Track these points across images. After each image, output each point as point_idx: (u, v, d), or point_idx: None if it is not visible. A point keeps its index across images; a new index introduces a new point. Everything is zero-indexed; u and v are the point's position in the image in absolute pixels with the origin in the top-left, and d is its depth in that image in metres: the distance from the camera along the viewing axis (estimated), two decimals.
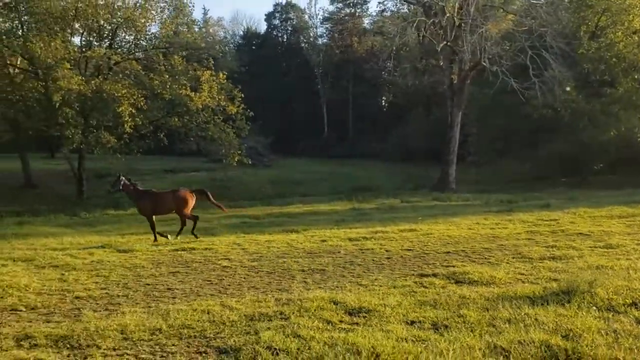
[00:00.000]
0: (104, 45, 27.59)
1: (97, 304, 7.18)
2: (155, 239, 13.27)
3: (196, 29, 32.64)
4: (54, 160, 44.91)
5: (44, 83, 24.15)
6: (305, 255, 10.40)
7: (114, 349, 5.17)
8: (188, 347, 5.20)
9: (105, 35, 27.61)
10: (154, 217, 13.65)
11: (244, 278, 8.57)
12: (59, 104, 22.22)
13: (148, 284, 8.32)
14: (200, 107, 25.14)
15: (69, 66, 23.35)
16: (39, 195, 32.31)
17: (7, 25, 26.16)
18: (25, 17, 26.26)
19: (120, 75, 25.97)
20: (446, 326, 5.48)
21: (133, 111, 23.17)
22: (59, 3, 25.08)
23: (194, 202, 13.87)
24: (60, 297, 7.53)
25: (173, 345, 5.25)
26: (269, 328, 5.44)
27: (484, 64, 30.26)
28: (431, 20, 29.82)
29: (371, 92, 60.15)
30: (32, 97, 24.81)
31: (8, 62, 27.80)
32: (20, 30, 26.99)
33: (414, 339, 5.03)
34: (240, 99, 25.95)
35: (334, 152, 55.13)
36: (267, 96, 55.83)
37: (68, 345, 5.30)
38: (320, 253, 10.62)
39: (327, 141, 59.30)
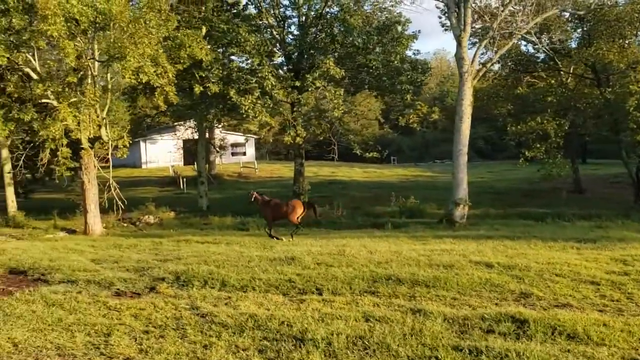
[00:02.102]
0: None
1: None
2: (271, 237, 15.95)
3: None
4: (585, 166, 45.14)
5: (609, 89, 24.38)
6: None
7: None
8: None
9: None
10: (274, 221, 16.61)
11: None
12: (632, 108, 21.95)
13: None
14: None
15: None
16: (588, 200, 32.92)
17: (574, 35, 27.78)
18: (590, 26, 27.18)
19: None
20: None
21: None
22: (629, 7, 24.86)
23: (302, 210, 16.00)
24: None
25: None
26: None
27: None
28: None
29: None
30: (595, 104, 25.45)
31: (563, 71, 29.42)
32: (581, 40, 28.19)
33: None
34: None
35: None
36: None
37: None
38: None
39: None
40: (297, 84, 26.27)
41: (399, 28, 26.84)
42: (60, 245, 16.39)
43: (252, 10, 28.64)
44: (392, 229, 21.95)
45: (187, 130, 44.21)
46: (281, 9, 27.90)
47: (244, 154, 60.98)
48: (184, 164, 56.24)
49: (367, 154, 27.61)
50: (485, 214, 25.44)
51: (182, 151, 57.59)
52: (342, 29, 26.01)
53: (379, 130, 77.02)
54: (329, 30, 27.33)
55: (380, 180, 41.65)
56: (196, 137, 43.29)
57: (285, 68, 28.11)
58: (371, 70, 27.65)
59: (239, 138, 60.64)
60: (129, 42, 17.62)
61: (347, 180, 41.77)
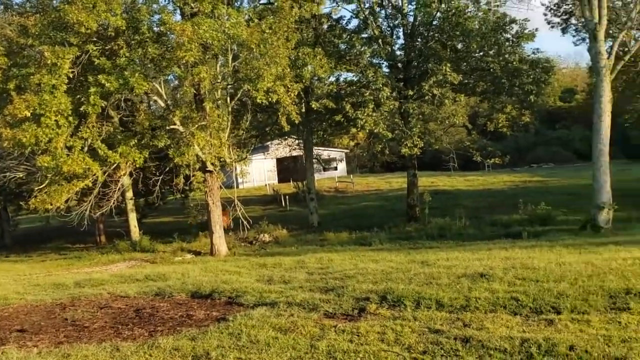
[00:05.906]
0: None
1: None
2: None
3: None
4: None
5: None
6: None
7: None
8: None
9: None
10: None
11: None
12: None
13: None
14: None
15: None
16: None
17: None
18: None
19: None
20: None
21: None
22: None
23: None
24: None
25: None
26: None
27: None
28: None
29: None
30: None
31: None
32: None
33: None
34: None
35: None
36: None
37: None
38: None
39: None
40: (410, 93, 25.73)
41: (515, 27, 25.79)
42: (211, 267, 16.54)
43: (355, 23, 28.51)
44: (531, 238, 20.68)
45: (284, 149, 44.58)
46: (389, 19, 27.50)
47: (335, 168, 60.94)
48: (279, 182, 56.91)
49: (488, 160, 26.58)
50: (628, 217, 23.55)
51: (276, 169, 58.49)
52: (456, 33, 25.23)
53: (467, 137, 75.13)
54: (438, 36, 26.64)
55: (488, 188, 40.07)
56: (292, 154, 43.80)
57: (393, 78, 27.57)
58: (485, 73, 26.66)
59: (331, 153, 60.78)
60: (263, 63, 17.74)
61: (451, 190, 40.49)
